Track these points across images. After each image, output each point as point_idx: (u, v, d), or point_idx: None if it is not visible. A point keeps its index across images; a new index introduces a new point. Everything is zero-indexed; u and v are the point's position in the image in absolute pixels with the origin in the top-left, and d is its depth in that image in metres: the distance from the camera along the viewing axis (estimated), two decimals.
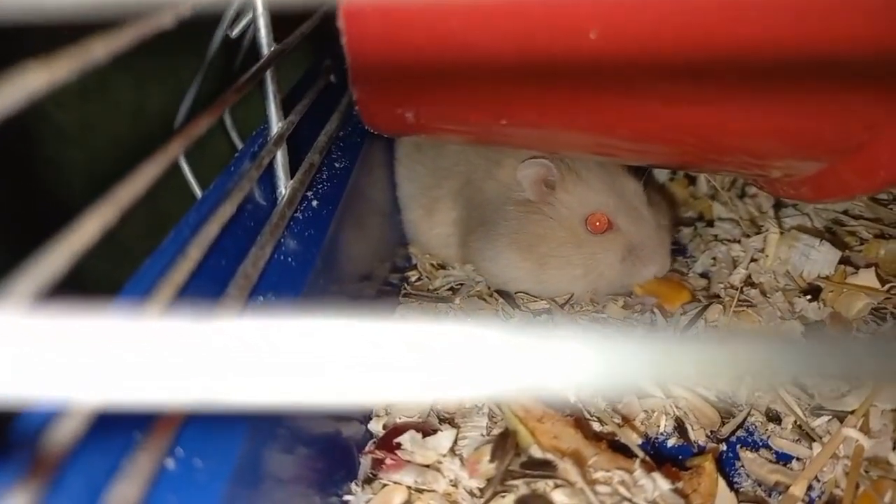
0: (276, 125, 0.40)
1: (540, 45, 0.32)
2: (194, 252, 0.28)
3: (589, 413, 0.48)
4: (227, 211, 0.31)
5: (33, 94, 0.16)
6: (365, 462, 0.43)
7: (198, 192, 0.59)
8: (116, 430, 0.24)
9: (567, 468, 0.38)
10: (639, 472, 0.39)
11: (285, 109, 0.42)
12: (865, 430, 0.46)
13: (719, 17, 0.33)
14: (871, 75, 0.35)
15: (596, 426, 0.47)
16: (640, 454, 0.41)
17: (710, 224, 0.73)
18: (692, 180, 0.80)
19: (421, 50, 0.31)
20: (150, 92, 0.89)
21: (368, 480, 0.41)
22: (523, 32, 0.31)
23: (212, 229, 0.30)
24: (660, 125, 0.40)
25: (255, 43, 0.38)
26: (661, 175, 0.78)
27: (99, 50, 0.18)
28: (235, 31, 0.37)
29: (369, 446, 0.44)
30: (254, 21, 0.37)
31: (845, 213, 0.70)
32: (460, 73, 0.33)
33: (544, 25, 0.31)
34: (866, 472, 0.43)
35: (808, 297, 0.58)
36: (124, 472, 0.21)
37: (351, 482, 0.41)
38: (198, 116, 0.26)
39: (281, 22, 0.40)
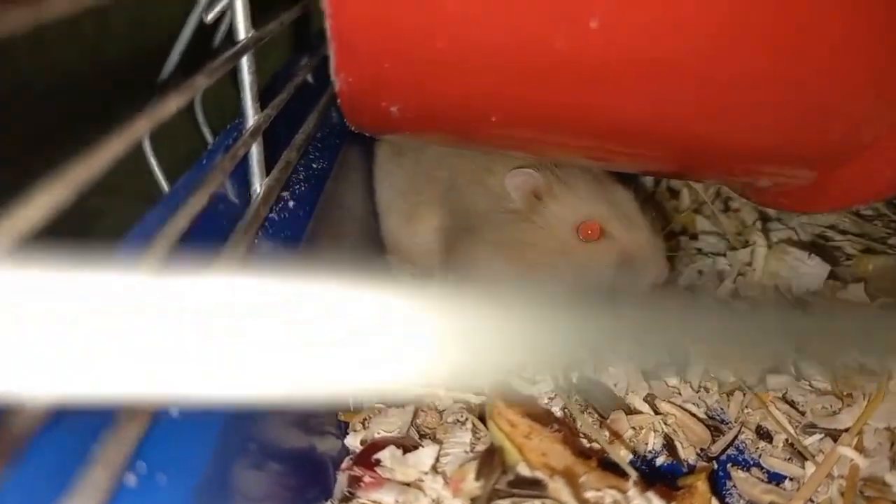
0: (251, 117, 0.38)
1: (537, 33, 0.30)
2: (160, 248, 0.26)
3: (576, 429, 0.46)
4: (197, 203, 0.28)
5: None
6: (342, 479, 0.40)
7: (166, 188, 0.56)
8: (72, 441, 0.21)
9: (558, 487, 0.36)
10: (633, 491, 0.37)
11: (262, 103, 0.39)
12: (860, 448, 0.44)
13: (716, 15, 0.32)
14: (878, 77, 0.33)
15: (584, 443, 0.45)
16: (634, 473, 0.38)
17: (694, 237, 0.72)
18: (674, 194, 0.79)
19: (412, 35, 0.29)
20: (122, 83, 0.86)
21: (345, 499, 0.39)
22: (521, 19, 0.30)
23: (180, 223, 0.27)
24: (654, 124, 0.38)
25: (232, 30, 0.36)
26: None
27: None
28: (211, 15, 0.34)
29: (346, 463, 0.42)
30: (231, 5, 0.34)
31: (831, 227, 0.70)
32: (452, 61, 0.31)
33: (543, 10, 0.29)
34: (861, 492, 0.42)
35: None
36: (77, 488, 0.19)
37: (326, 501, 0.39)
38: (165, 97, 0.24)
39: (261, 13, 0.38)
